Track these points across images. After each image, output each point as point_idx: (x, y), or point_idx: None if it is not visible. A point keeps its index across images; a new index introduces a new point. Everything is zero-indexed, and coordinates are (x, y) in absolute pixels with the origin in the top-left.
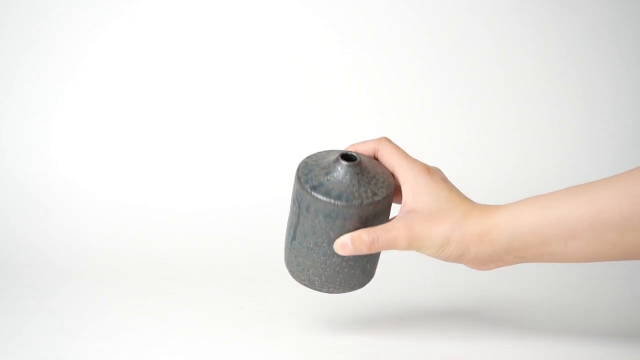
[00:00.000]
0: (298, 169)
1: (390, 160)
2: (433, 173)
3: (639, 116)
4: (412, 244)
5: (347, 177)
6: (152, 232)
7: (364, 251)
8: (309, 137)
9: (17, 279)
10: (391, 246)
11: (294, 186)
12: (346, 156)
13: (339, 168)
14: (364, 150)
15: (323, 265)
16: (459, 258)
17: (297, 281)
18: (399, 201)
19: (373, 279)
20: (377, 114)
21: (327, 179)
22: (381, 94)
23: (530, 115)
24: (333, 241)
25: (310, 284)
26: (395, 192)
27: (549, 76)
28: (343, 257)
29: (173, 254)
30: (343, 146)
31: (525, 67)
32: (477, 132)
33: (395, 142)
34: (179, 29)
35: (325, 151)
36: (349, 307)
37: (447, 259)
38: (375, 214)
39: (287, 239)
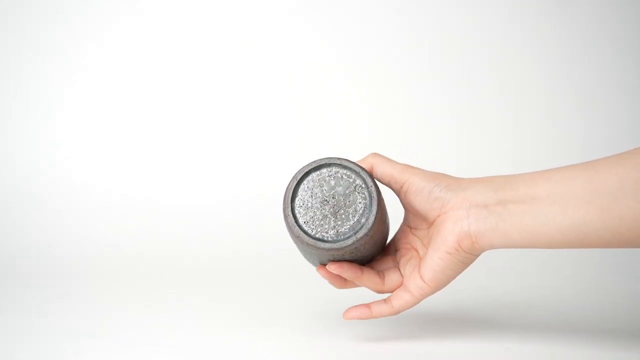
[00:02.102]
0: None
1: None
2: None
3: (638, 116)
4: (408, 169)
5: None
6: (152, 234)
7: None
8: (308, 138)
9: (16, 279)
10: (388, 165)
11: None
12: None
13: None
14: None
15: None
16: (448, 188)
17: None
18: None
19: None
20: (375, 114)
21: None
22: (380, 95)
23: (529, 116)
24: None
25: None
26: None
27: (548, 77)
28: None
29: (173, 254)
30: (341, 145)
31: (524, 68)
32: (475, 134)
33: (396, 145)
34: (179, 33)
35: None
36: (348, 307)
37: (438, 193)
38: None
39: None
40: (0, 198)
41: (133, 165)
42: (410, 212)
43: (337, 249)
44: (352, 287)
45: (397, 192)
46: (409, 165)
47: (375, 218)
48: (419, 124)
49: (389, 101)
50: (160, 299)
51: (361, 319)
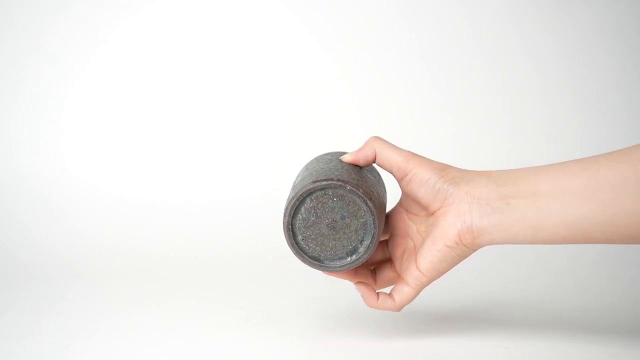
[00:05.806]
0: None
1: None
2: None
3: (638, 116)
4: (413, 158)
5: None
6: (151, 234)
7: (366, 155)
8: (310, 138)
9: (16, 279)
10: (392, 151)
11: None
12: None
13: None
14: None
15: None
16: (452, 181)
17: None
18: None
19: None
20: (373, 114)
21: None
22: (379, 95)
23: (528, 117)
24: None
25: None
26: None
27: (547, 78)
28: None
29: (172, 255)
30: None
31: (523, 68)
32: (473, 133)
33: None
34: (179, 34)
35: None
36: (348, 306)
37: (442, 185)
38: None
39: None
40: (1, 197)
41: (132, 166)
42: (410, 199)
43: (331, 269)
44: None
45: (399, 180)
46: (413, 154)
47: (373, 248)
48: (417, 122)
49: (385, 101)
50: (160, 300)
51: (365, 295)
